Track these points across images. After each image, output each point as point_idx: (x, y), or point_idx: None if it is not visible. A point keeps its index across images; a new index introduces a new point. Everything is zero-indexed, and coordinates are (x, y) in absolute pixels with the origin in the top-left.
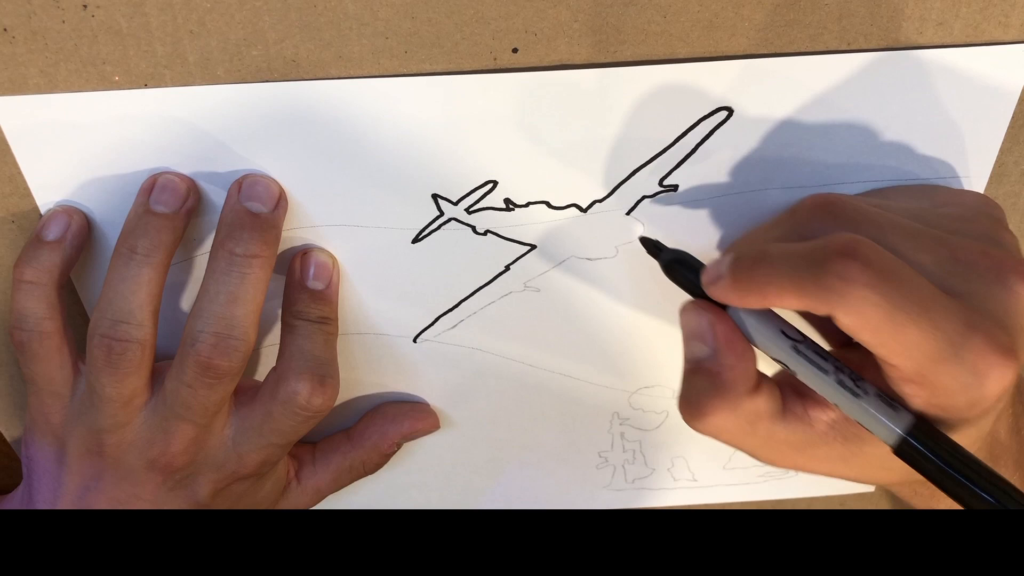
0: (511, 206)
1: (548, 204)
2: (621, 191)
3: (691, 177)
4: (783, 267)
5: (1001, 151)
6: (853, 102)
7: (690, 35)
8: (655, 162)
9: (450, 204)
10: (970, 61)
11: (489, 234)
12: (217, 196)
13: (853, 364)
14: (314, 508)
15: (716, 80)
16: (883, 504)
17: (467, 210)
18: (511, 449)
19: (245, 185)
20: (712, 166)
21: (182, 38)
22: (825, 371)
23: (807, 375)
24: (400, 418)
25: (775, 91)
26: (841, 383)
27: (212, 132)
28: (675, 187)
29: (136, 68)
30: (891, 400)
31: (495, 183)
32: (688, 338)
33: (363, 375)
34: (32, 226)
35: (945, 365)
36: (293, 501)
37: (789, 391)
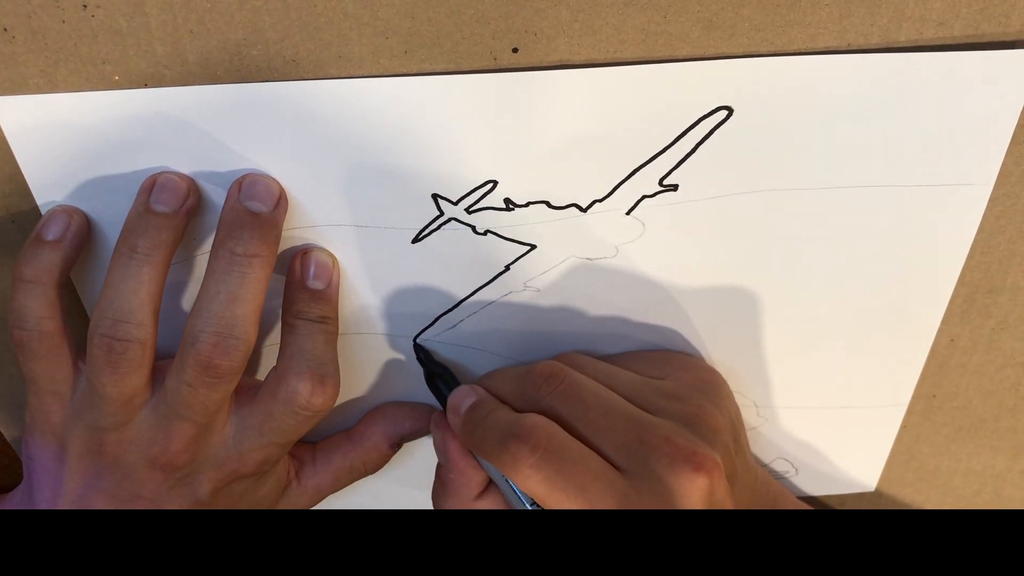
0: (511, 206)
1: (548, 204)
2: (621, 191)
3: (691, 177)
4: (488, 438)
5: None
6: (853, 103)
7: (690, 35)
8: (655, 162)
9: (450, 204)
10: (973, 65)
11: (489, 234)
12: (217, 196)
13: None
14: (314, 508)
15: (716, 80)
16: (883, 504)
17: (467, 210)
18: None
19: (245, 184)
20: (712, 166)
21: (182, 38)
22: (522, 502)
23: (512, 500)
24: (400, 418)
25: (775, 91)
26: None
27: (212, 132)
28: (675, 187)
29: (136, 68)
30: None
31: (495, 183)
32: (433, 444)
33: (363, 375)
34: (32, 226)
35: None
36: (293, 501)
37: None
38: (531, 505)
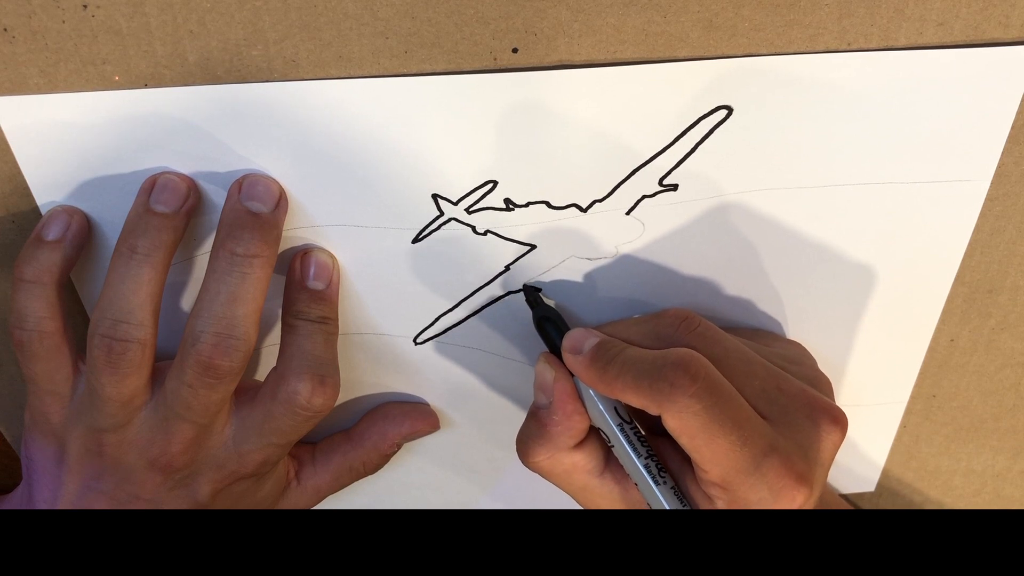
0: (511, 206)
1: (548, 204)
2: (621, 191)
3: (691, 177)
4: (631, 371)
5: (1001, 151)
6: (851, 101)
7: (690, 35)
8: (655, 162)
9: (450, 204)
10: (971, 61)
11: (489, 234)
12: (217, 196)
13: (674, 458)
14: (314, 508)
15: (716, 80)
16: (883, 504)
17: (467, 210)
18: (511, 449)
19: (245, 185)
20: (712, 166)
21: (182, 38)
22: (638, 453)
23: (621, 452)
24: (400, 418)
25: (775, 91)
26: (647, 468)
27: (212, 132)
28: (675, 187)
29: (136, 68)
30: (681, 494)
31: (495, 183)
32: (535, 385)
33: (363, 375)
34: (32, 226)
35: (746, 477)
36: (293, 501)
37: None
38: (643, 458)
